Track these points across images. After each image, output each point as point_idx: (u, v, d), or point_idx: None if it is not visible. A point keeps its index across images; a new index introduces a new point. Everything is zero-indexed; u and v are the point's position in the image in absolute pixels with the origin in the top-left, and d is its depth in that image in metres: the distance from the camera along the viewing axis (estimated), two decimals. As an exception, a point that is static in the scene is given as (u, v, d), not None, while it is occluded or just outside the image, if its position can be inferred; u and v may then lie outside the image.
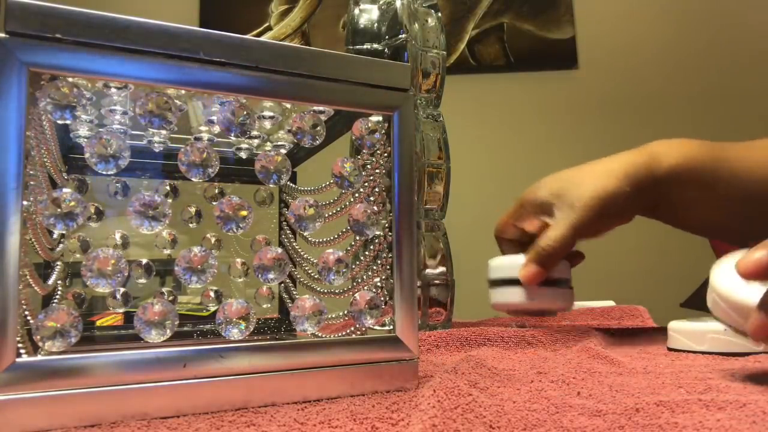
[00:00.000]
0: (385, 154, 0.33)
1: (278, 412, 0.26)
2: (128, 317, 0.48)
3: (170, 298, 0.45)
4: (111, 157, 0.28)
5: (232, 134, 0.30)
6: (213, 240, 0.48)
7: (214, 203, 0.46)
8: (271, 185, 0.31)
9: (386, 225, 0.32)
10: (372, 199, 0.33)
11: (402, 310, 0.31)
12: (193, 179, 0.29)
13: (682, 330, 0.44)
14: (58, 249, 0.38)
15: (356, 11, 0.65)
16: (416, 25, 0.64)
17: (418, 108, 0.65)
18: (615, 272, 1.45)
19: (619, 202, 0.52)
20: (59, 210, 0.26)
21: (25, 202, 0.24)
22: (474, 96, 1.62)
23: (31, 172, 0.26)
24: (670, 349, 0.46)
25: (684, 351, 0.44)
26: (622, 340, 0.52)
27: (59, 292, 0.39)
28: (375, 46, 0.64)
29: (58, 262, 0.39)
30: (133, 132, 0.40)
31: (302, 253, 0.44)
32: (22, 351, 0.23)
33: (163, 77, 0.27)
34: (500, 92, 1.66)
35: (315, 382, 0.29)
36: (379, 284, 0.33)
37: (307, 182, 0.46)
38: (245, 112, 0.30)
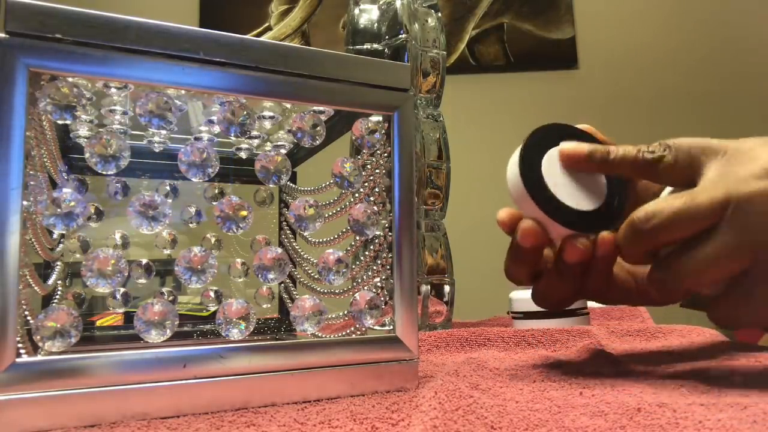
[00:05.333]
0: (385, 154, 0.33)
1: (278, 412, 0.26)
2: (128, 317, 0.48)
3: (170, 298, 0.45)
4: (111, 157, 0.28)
5: (232, 134, 0.30)
6: (213, 240, 0.48)
7: (214, 203, 0.46)
8: (271, 185, 0.31)
9: (386, 225, 0.32)
10: (372, 199, 0.33)
11: (402, 310, 0.31)
12: (193, 179, 0.29)
13: (521, 297, 0.57)
14: (58, 249, 0.38)
15: (356, 11, 0.65)
16: (416, 25, 0.64)
17: (418, 108, 0.65)
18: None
19: None
20: (59, 210, 0.26)
21: (25, 202, 0.24)
22: (474, 96, 1.62)
23: (31, 172, 0.26)
24: (509, 313, 0.60)
25: (521, 312, 0.58)
26: (623, 339, 0.52)
27: (59, 292, 0.39)
28: (375, 46, 0.64)
29: (58, 262, 0.39)
30: (133, 132, 0.40)
31: (302, 253, 0.44)
32: (22, 351, 0.23)
33: (163, 77, 0.27)
34: (500, 92, 1.66)
35: (315, 382, 0.29)
36: (379, 284, 0.33)
37: (307, 182, 0.46)
38: (245, 112, 0.30)
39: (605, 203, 0.34)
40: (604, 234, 0.33)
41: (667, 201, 0.31)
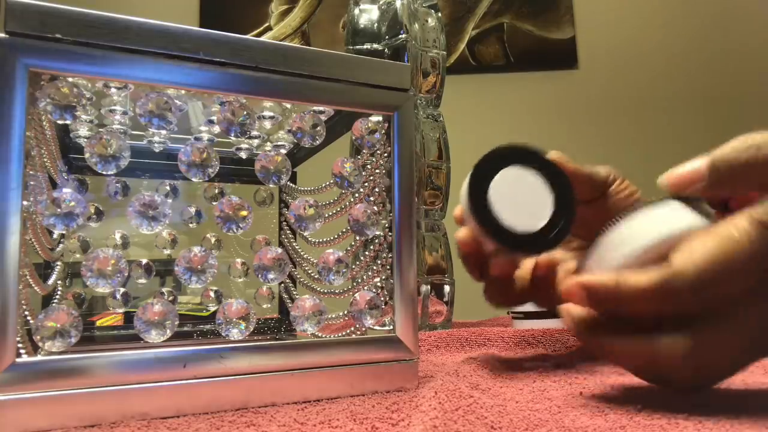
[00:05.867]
0: (385, 154, 0.33)
1: (278, 412, 0.26)
2: (128, 317, 0.48)
3: (170, 298, 0.45)
4: (111, 157, 0.28)
5: (232, 134, 0.30)
6: (213, 240, 0.48)
7: (214, 203, 0.46)
8: (271, 185, 0.31)
9: (386, 225, 0.32)
10: (372, 199, 0.33)
11: (402, 310, 0.31)
12: (193, 179, 0.29)
13: None
14: (58, 249, 0.38)
15: (356, 11, 0.65)
16: (416, 25, 0.64)
17: (418, 108, 0.65)
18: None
19: None
20: (59, 210, 0.26)
21: (25, 202, 0.24)
22: (474, 96, 1.61)
23: (31, 172, 0.26)
24: (509, 313, 0.61)
25: (521, 312, 0.59)
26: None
27: (59, 292, 0.39)
28: (375, 46, 0.64)
29: (58, 262, 0.39)
30: (133, 132, 0.40)
31: (302, 253, 0.44)
32: (22, 351, 0.23)
33: (163, 77, 0.27)
34: (500, 92, 1.66)
35: (315, 382, 0.29)
36: (379, 284, 0.33)
37: (307, 182, 0.46)
38: (245, 112, 0.30)
39: (546, 228, 0.35)
40: (540, 258, 0.37)
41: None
